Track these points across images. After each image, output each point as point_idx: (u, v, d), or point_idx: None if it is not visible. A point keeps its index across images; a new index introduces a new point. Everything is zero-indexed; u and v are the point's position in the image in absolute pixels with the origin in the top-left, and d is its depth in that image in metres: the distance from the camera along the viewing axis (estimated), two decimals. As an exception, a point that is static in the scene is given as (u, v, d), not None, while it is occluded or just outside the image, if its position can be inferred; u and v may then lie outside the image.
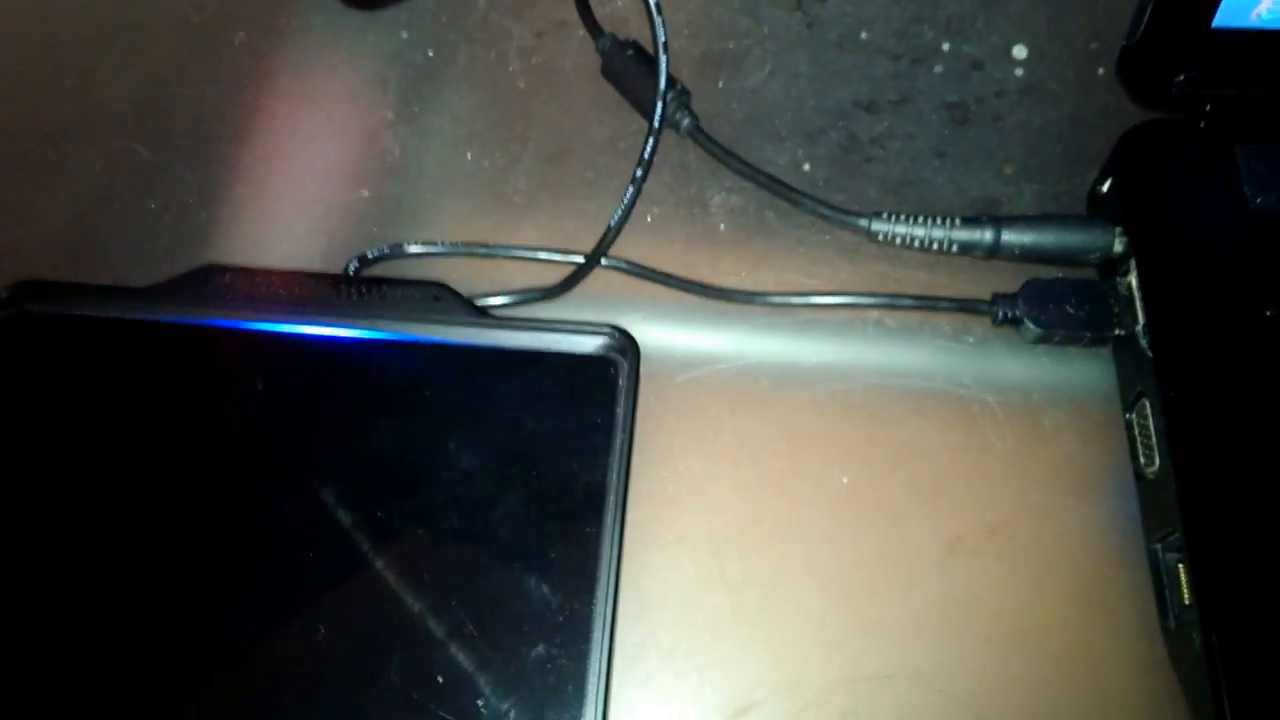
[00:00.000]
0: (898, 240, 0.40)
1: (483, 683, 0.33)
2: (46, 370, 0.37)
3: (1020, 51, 0.46)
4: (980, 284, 0.40)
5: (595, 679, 0.32)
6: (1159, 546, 0.35)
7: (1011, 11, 0.47)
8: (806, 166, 0.43)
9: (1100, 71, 0.45)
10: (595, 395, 0.36)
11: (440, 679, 0.33)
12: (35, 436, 0.36)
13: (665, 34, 0.41)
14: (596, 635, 0.33)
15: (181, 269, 0.40)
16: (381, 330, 0.37)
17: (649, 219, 0.42)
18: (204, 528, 0.35)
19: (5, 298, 0.38)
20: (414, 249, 0.41)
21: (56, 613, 0.34)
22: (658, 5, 0.41)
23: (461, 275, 0.40)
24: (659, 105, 0.41)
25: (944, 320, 0.40)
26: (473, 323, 0.38)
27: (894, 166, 0.43)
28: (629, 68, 0.44)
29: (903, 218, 0.40)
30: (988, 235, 0.39)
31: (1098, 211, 0.41)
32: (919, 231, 0.39)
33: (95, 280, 0.40)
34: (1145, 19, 0.38)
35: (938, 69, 0.45)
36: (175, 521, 0.35)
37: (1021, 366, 0.39)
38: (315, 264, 0.41)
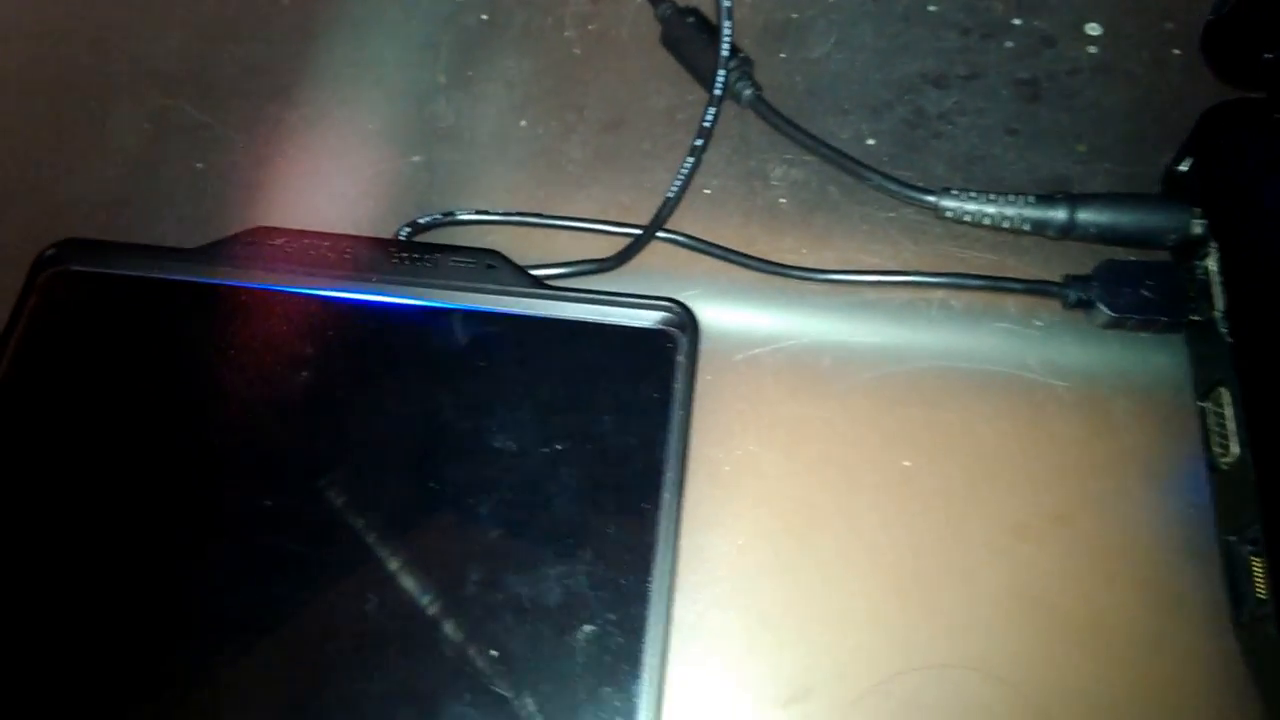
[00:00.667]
0: (968, 218, 0.38)
1: (538, 658, 0.31)
2: (92, 330, 0.36)
3: (1094, 29, 0.44)
4: (1048, 267, 0.39)
5: (651, 658, 0.31)
6: (1233, 539, 0.34)
7: (1084, -14, 0.45)
8: (871, 141, 0.42)
9: (1175, 52, 0.43)
10: (654, 370, 0.35)
11: (495, 653, 0.32)
12: (80, 397, 0.35)
13: (731, 0, 0.40)
14: (653, 614, 0.32)
15: (228, 231, 0.39)
16: (435, 298, 0.36)
17: (707, 191, 0.41)
18: (252, 494, 0.34)
19: (50, 256, 0.37)
20: (467, 216, 0.40)
21: (101, 574, 0.33)
22: (721, -31, 0.40)
23: (514, 244, 0.39)
24: (721, 73, 0.40)
25: (1011, 303, 0.39)
26: (529, 293, 0.36)
27: (962, 143, 0.42)
28: (690, 36, 0.42)
29: (973, 194, 0.38)
30: (1062, 214, 0.38)
31: (1174, 192, 0.39)
32: (990, 209, 0.38)
33: (140, 239, 0.39)
34: (1234, -9, 0.36)
35: (1008, 44, 0.44)
36: (223, 486, 0.34)
37: (1090, 352, 0.38)
38: (364, 229, 0.40)
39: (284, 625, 0.32)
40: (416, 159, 0.42)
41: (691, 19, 0.43)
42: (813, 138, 0.40)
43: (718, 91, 0.40)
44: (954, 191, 0.39)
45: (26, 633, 0.33)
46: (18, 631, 0.33)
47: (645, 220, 0.40)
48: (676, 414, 0.35)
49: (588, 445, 0.34)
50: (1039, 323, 0.38)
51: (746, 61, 0.42)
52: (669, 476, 0.34)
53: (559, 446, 0.34)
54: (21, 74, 0.43)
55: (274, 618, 0.33)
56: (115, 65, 0.43)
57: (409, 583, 0.33)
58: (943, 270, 0.39)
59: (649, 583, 0.32)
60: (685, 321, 0.36)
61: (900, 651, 0.34)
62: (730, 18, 0.40)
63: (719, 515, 0.35)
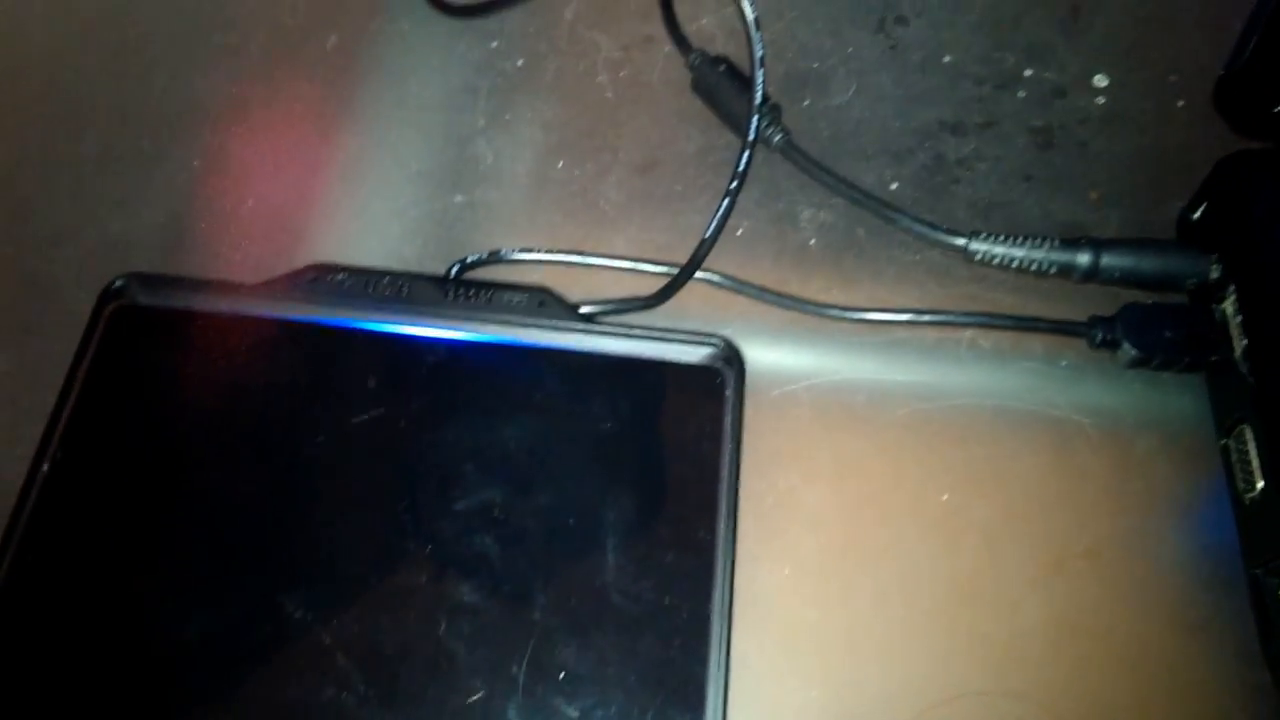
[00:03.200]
0: (995, 261, 0.38)
1: (602, 691, 0.30)
2: (158, 364, 0.35)
3: (1101, 80, 0.44)
4: (1070, 309, 0.39)
5: (715, 686, 0.30)
6: (1259, 571, 0.34)
7: (1090, 41, 0.45)
8: (894, 185, 0.41)
9: (1180, 103, 0.43)
10: (703, 405, 0.34)
11: (561, 680, 0.30)
12: (147, 430, 0.34)
13: (763, 49, 0.39)
14: (714, 645, 0.31)
15: (279, 267, 0.38)
16: (490, 333, 0.35)
17: (739, 233, 0.40)
18: (314, 528, 0.33)
19: (115, 289, 0.36)
20: (512, 255, 0.39)
21: (169, 608, 0.32)
22: (756, 20, 0.40)
23: (556, 282, 0.38)
24: (754, 118, 0.39)
25: (1037, 342, 0.38)
26: (579, 328, 0.36)
27: (981, 188, 0.41)
28: (721, 83, 0.42)
29: (1001, 237, 0.38)
30: (1086, 258, 0.37)
31: (1189, 238, 0.39)
32: (1018, 252, 0.38)
33: (195, 274, 0.38)
34: (1250, 48, 0.36)
35: (1020, 94, 0.44)
36: (288, 520, 0.33)
37: (1115, 391, 0.37)
38: (411, 266, 0.39)
39: (347, 654, 0.31)
40: (459, 199, 0.41)
41: (723, 67, 0.42)
42: (844, 182, 0.40)
43: (751, 137, 0.39)
44: (983, 234, 0.38)
45: (93, 661, 0.31)
46: (85, 661, 0.31)
47: (680, 259, 0.39)
48: (727, 447, 0.34)
49: (643, 477, 0.34)
50: (1064, 362, 0.38)
51: (776, 108, 0.41)
52: (724, 507, 0.33)
53: (617, 477, 0.33)
54: (72, 111, 0.42)
55: (338, 646, 0.31)
56: (164, 103, 0.42)
57: (470, 615, 0.31)
58: (969, 310, 0.38)
59: (709, 613, 0.31)
60: (732, 357, 0.35)
61: (944, 680, 0.33)
62: (764, 65, 0.39)
63: (764, 548, 0.34)
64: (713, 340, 0.35)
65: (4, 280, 0.39)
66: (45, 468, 0.33)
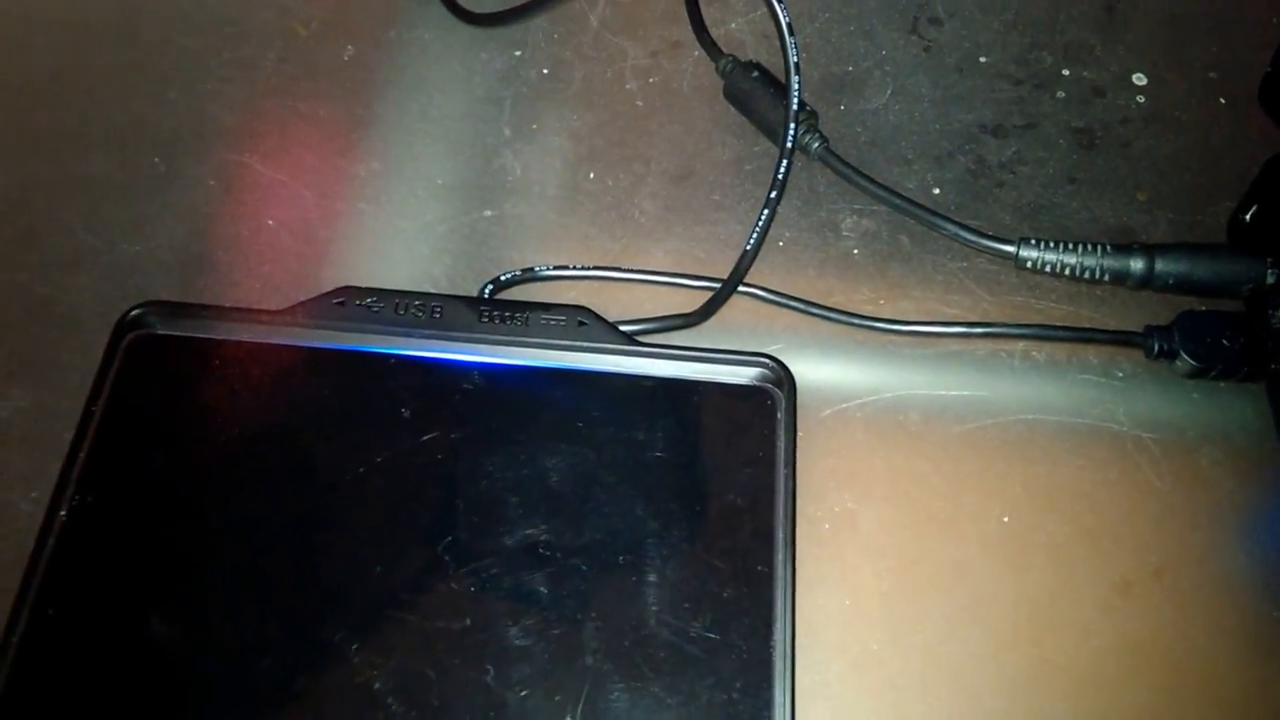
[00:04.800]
0: (1047, 268, 0.36)
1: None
2: (180, 395, 0.32)
3: (1140, 79, 0.42)
4: (1124, 315, 0.37)
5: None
6: (1334, 587, 0.32)
7: (1128, 39, 0.43)
8: (936, 191, 0.39)
9: (1221, 100, 0.41)
10: (756, 428, 0.32)
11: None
12: (170, 464, 0.31)
13: (798, 55, 0.37)
14: (778, 685, 0.29)
15: (304, 288, 0.35)
16: (529, 357, 0.33)
17: (780, 244, 0.38)
18: (349, 568, 0.30)
19: (133, 318, 0.33)
20: (546, 272, 0.36)
21: (193, 649, 0.29)
22: (789, 26, 0.37)
23: (592, 298, 0.36)
24: (792, 126, 0.37)
25: (1092, 353, 0.36)
26: (623, 350, 0.33)
27: (1026, 192, 0.39)
28: (755, 89, 0.39)
29: (1052, 244, 0.36)
30: (1140, 264, 0.35)
31: (1240, 239, 0.37)
32: (1070, 259, 0.36)
33: (213, 299, 0.35)
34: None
35: (1060, 94, 0.41)
36: (318, 562, 0.30)
37: (1173, 401, 0.35)
38: (441, 284, 0.37)
39: (387, 703, 0.29)
40: (488, 213, 0.38)
41: (756, 73, 0.40)
42: (886, 189, 0.38)
43: (790, 145, 0.37)
44: (1033, 241, 0.36)
45: (120, 696, 0.29)
46: (113, 695, 0.29)
47: (721, 272, 0.37)
48: (782, 472, 0.32)
49: (696, 506, 0.31)
50: (1121, 373, 0.36)
51: (813, 114, 0.39)
52: (781, 536, 0.31)
53: (669, 507, 0.31)
54: (81, 130, 0.39)
55: (377, 694, 0.29)
56: (178, 121, 0.39)
57: (519, 660, 0.29)
58: (1021, 320, 0.36)
59: (772, 650, 0.29)
60: (782, 378, 0.33)
61: (1015, 708, 0.31)
62: (799, 72, 0.37)
63: (824, 575, 0.32)
64: (762, 360, 0.33)
65: (15, 309, 0.36)
66: (63, 513, 0.31)
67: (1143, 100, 0.41)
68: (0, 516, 0.32)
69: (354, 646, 0.29)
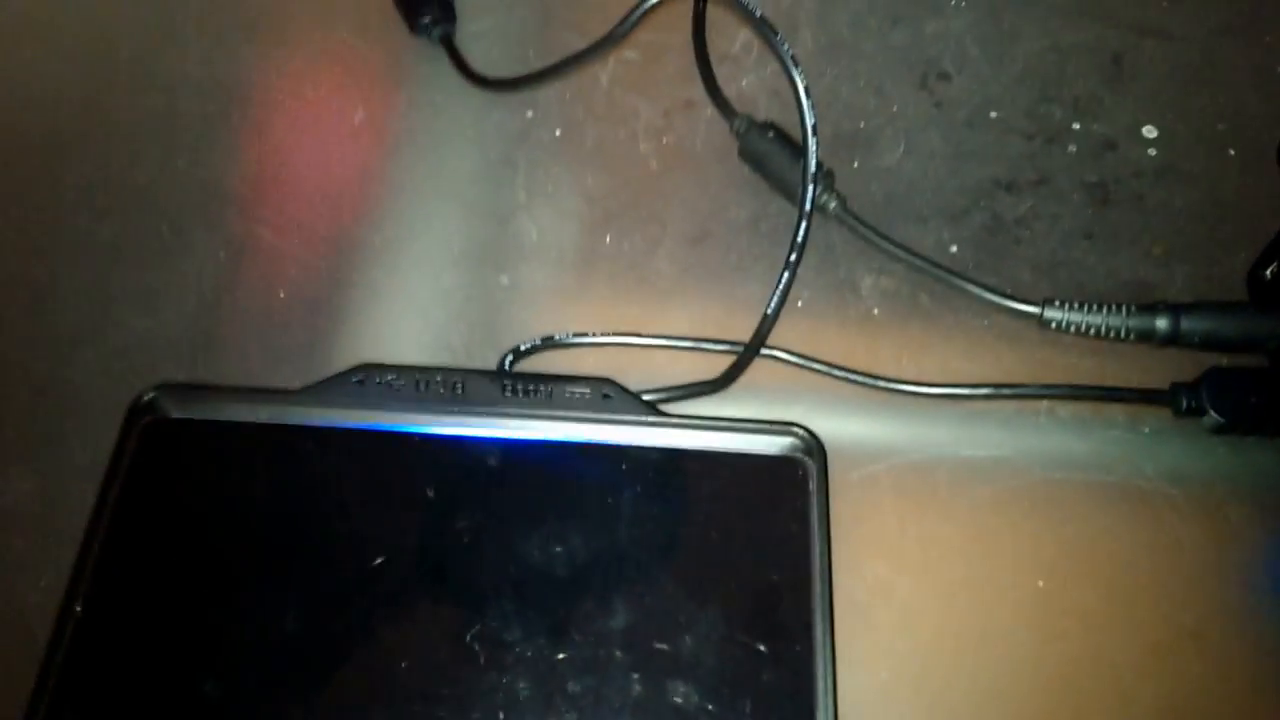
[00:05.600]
0: (1072, 329, 0.36)
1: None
2: (195, 483, 0.32)
3: (1150, 131, 0.42)
4: (1146, 370, 0.37)
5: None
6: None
7: (1136, 91, 0.43)
8: (954, 248, 0.39)
9: (1231, 152, 0.42)
10: (788, 500, 0.32)
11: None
12: (189, 552, 0.31)
13: (814, 117, 0.37)
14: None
15: (317, 361, 0.35)
16: (555, 433, 0.33)
17: (800, 304, 0.38)
18: (376, 655, 0.30)
19: (146, 402, 0.33)
20: (566, 339, 0.36)
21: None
22: (806, 89, 0.37)
23: (613, 365, 0.36)
24: (810, 188, 0.37)
25: (1118, 410, 0.36)
26: (649, 422, 0.33)
27: (1043, 248, 0.39)
28: (771, 150, 0.40)
29: (1076, 305, 0.36)
30: (1165, 323, 0.36)
31: (1260, 295, 0.37)
32: (1095, 319, 0.36)
33: (225, 375, 0.35)
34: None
35: (1071, 148, 0.42)
36: (345, 650, 0.30)
37: (1201, 458, 0.36)
38: (459, 354, 0.36)
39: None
40: (504, 279, 0.38)
41: (771, 133, 0.40)
42: (906, 249, 0.38)
43: (808, 207, 0.37)
44: (1057, 303, 0.36)
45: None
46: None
47: (741, 334, 0.37)
48: (817, 546, 0.31)
49: (731, 583, 0.31)
50: (1147, 429, 0.36)
51: (829, 174, 0.39)
52: (819, 613, 0.31)
53: (702, 586, 0.31)
54: (87, 199, 0.39)
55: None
56: (186, 189, 0.39)
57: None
58: (1045, 378, 0.36)
59: (814, 731, 0.29)
60: (813, 447, 0.33)
61: (1057, 781, 0.31)
62: (816, 134, 0.37)
63: (859, 647, 0.32)
64: (792, 429, 0.33)
65: (20, 387, 0.36)
66: (79, 607, 0.30)
67: (1154, 153, 0.42)
68: (7, 606, 0.32)
69: (380, 714, 0.29)
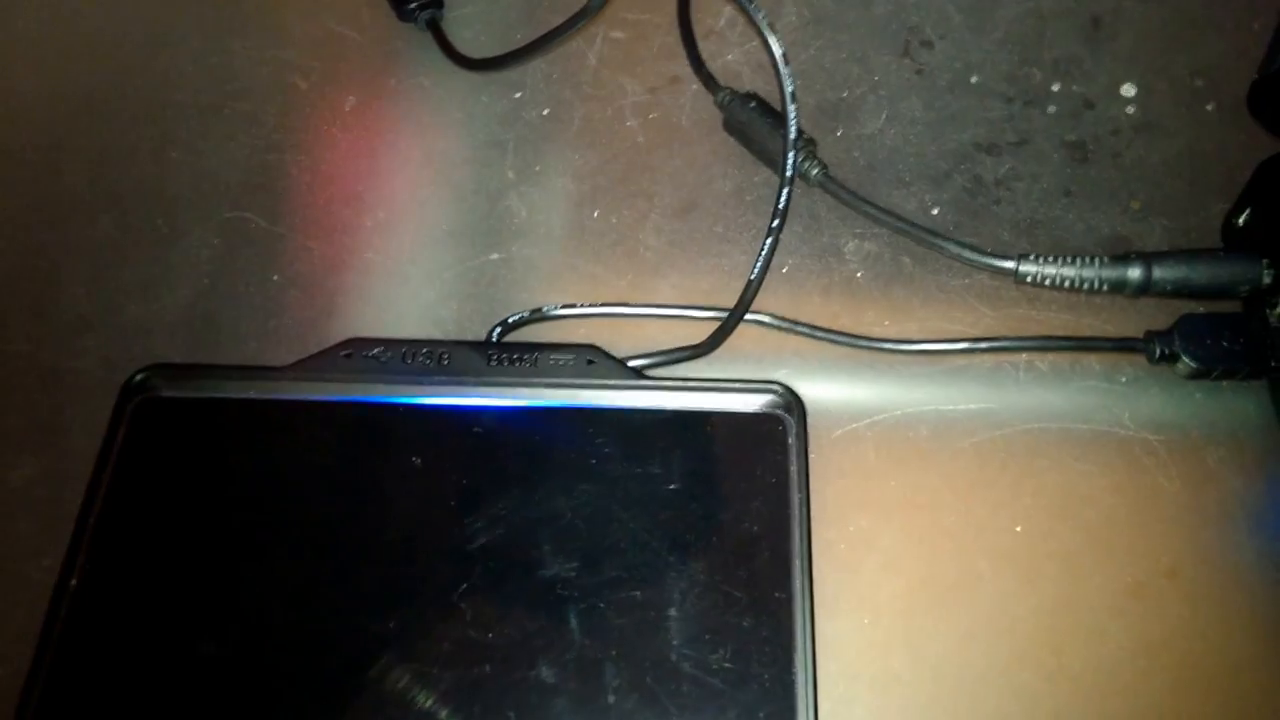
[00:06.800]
0: (1046, 282, 0.38)
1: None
2: (190, 458, 0.34)
3: (1129, 90, 0.44)
4: (1122, 321, 0.39)
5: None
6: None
7: (1115, 52, 0.45)
8: (935, 211, 0.41)
9: (1209, 107, 0.44)
10: (768, 455, 0.34)
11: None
12: (182, 528, 0.33)
13: (793, 84, 0.39)
14: (801, 705, 0.31)
15: (312, 342, 0.38)
16: (540, 398, 0.35)
17: (785, 270, 0.40)
18: (368, 619, 0.32)
19: (138, 382, 0.35)
20: (555, 311, 0.39)
21: (213, 703, 0.31)
22: (784, 56, 0.39)
23: (602, 335, 0.38)
24: (791, 155, 0.39)
25: (1095, 360, 0.38)
26: (632, 385, 0.35)
27: (1022, 207, 0.41)
28: (753, 120, 0.42)
29: (1050, 258, 0.38)
30: (1137, 273, 0.37)
31: (1234, 243, 0.39)
32: (1068, 272, 0.38)
33: (223, 358, 0.37)
34: (1283, 52, 0.36)
35: (1051, 109, 0.44)
36: (336, 615, 0.32)
37: (1177, 403, 0.37)
38: (450, 330, 0.39)
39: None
40: (495, 256, 0.40)
41: (753, 104, 0.42)
42: (885, 211, 0.40)
43: (789, 173, 0.39)
44: (1031, 257, 0.38)
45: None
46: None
47: (728, 302, 0.39)
48: (796, 497, 0.33)
49: (712, 536, 0.33)
50: (1124, 378, 0.38)
51: (811, 142, 0.41)
52: (798, 562, 0.33)
53: (685, 539, 0.33)
54: (85, 196, 0.42)
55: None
56: (180, 181, 0.42)
57: (540, 700, 0.31)
58: (1024, 333, 0.38)
59: (793, 674, 0.31)
60: (791, 403, 0.35)
61: (1037, 715, 0.33)
62: (795, 101, 0.39)
63: (841, 597, 0.34)
64: (771, 387, 0.35)
65: (23, 377, 0.38)
66: (74, 581, 0.32)
67: (1132, 111, 0.44)
68: (12, 585, 0.34)
69: (372, 696, 0.31)
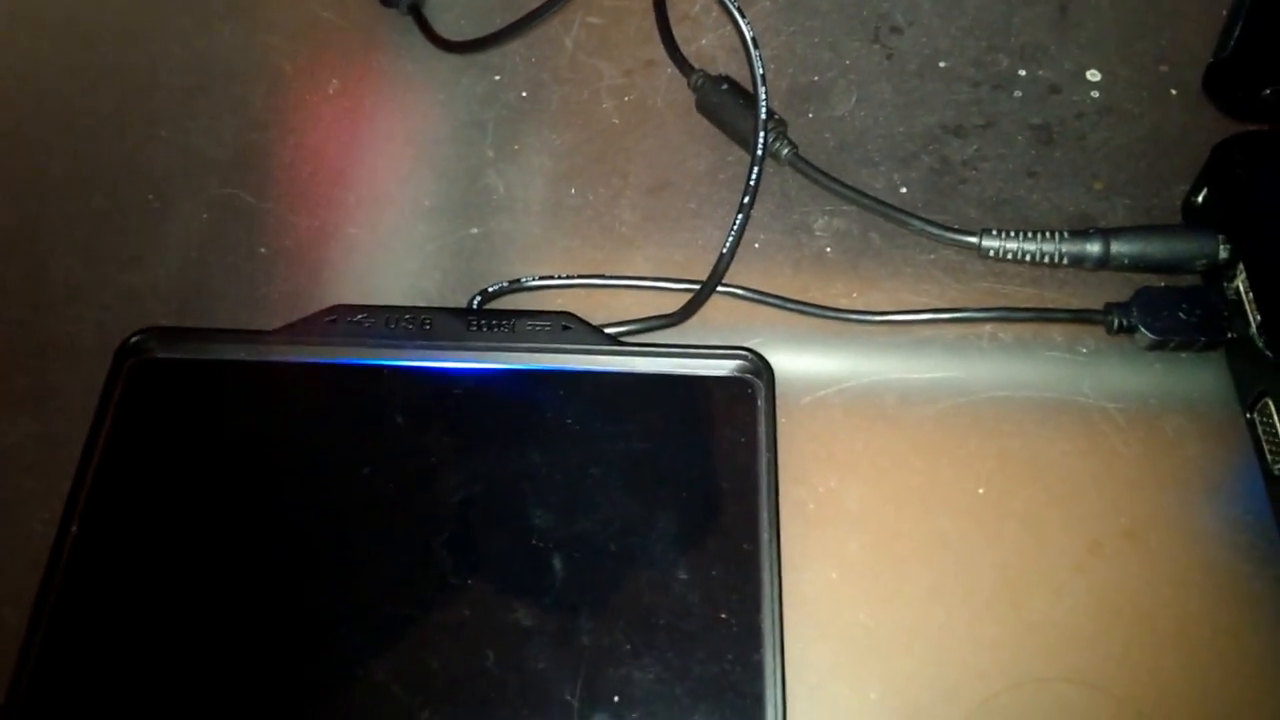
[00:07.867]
0: (1009, 255, 0.40)
1: (660, 706, 0.32)
2: (182, 417, 0.36)
3: (1094, 75, 0.46)
4: (1085, 296, 0.41)
5: (772, 702, 0.31)
6: (1294, 541, 0.35)
7: (1080, 38, 0.47)
8: (904, 190, 0.43)
9: (1173, 92, 0.46)
10: (736, 417, 0.36)
11: (617, 701, 0.32)
12: (176, 484, 0.35)
13: (764, 66, 0.41)
14: (768, 657, 0.32)
15: (298, 311, 0.39)
16: (517, 362, 0.37)
17: (757, 245, 0.42)
18: (353, 572, 0.34)
19: (134, 344, 0.37)
20: (533, 282, 0.40)
21: (205, 663, 0.33)
22: (754, 40, 0.41)
23: (579, 305, 0.40)
24: (761, 133, 0.41)
25: (1057, 332, 0.40)
26: (607, 350, 0.37)
27: (988, 187, 0.43)
28: (725, 101, 0.44)
29: (1012, 233, 0.40)
30: (1096, 247, 0.39)
31: (1194, 221, 0.41)
32: (1030, 246, 0.40)
33: (212, 325, 0.39)
34: (1235, 35, 0.38)
35: (1017, 93, 0.46)
36: (323, 566, 0.34)
37: (1136, 373, 0.39)
38: (432, 299, 0.40)
39: (395, 694, 0.32)
40: (474, 231, 0.42)
41: (725, 86, 0.44)
42: (854, 190, 0.42)
43: (760, 152, 0.41)
44: (994, 232, 0.40)
45: (133, 711, 0.32)
46: (126, 710, 0.32)
47: (700, 276, 0.41)
48: (764, 456, 0.35)
49: (683, 492, 0.35)
50: (1084, 349, 0.40)
51: (781, 122, 0.43)
52: (765, 516, 0.34)
53: (656, 495, 0.35)
54: (78, 172, 0.43)
55: (385, 687, 0.32)
56: (170, 158, 0.44)
57: (519, 645, 0.32)
58: (988, 304, 0.40)
59: (761, 623, 0.33)
60: (760, 368, 0.37)
61: (1000, 669, 0.34)
62: (765, 83, 0.41)
63: (810, 553, 0.36)
64: (741, 353, 0.37)
65: (21, 343, 0.40)
66: (74, 529, 0.34)
67: (1097, 95, 0.46)
68: (14, 537, 0.36)
69: (359, 645, 0.33)
